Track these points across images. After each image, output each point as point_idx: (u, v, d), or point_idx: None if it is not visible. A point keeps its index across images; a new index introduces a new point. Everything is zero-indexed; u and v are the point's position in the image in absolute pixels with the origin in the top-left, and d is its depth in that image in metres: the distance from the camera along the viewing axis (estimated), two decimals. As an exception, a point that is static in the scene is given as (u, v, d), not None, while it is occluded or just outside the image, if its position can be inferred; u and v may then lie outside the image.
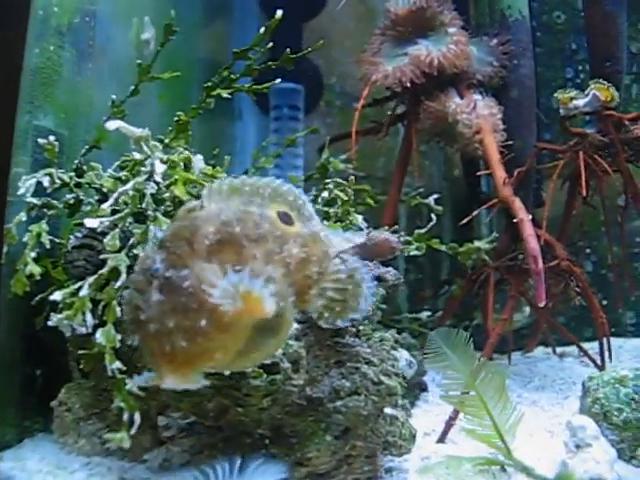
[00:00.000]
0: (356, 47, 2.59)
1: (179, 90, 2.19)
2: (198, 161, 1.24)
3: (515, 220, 1.67)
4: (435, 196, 1.86)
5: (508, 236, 2.05)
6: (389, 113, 2.16)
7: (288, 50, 1.63)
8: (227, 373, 1.15)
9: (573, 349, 2.47)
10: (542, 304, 1.55)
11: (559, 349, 2.46)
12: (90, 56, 1.58)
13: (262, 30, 1.58)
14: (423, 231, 1.83)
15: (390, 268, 1.29)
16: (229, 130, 2.70)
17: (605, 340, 2.03)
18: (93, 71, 1.59)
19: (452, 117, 1.93)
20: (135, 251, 1.18)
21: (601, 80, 1.85)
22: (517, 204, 1.69)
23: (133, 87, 1.38)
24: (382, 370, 1.24)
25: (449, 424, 1.67)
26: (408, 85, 1.93)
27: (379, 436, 1.30)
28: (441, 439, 1.67)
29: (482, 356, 1.71)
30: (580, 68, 2.72)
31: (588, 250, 2.68)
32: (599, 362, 2.03)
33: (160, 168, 1.15)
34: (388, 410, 1.47)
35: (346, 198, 1.57)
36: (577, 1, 2.65)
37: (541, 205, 2.24)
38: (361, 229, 1.61)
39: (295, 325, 1.21)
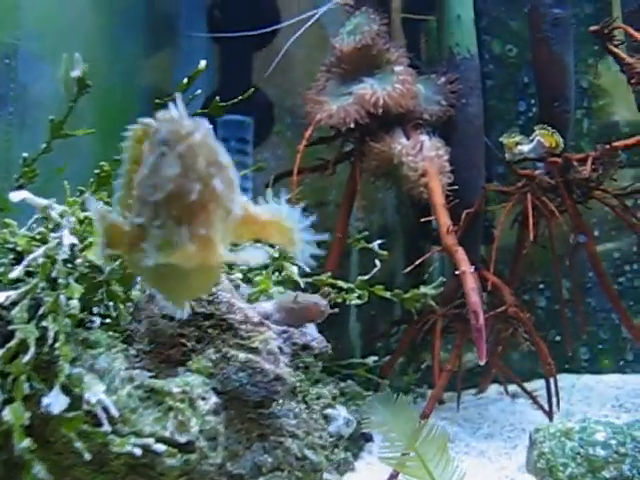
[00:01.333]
0: (308, 77, 2.54)
1: (118, 122, 2.12)
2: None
3: (457, 272, 1.62)
4: (379, 242, 1.80)
5: (455, 281, 2.00)
6: (336, 151, 2.10)
7: (217, 99, 1.56)
8: (140, 453, 1.07)
9: (526, 386, 2.44)
10: (483, 362, 1.50)
11: (512, 387, 2.42)
12: (10, 99, 1.49)
13: (185, 80, 1.50)
14: (366, 278, 1.78)
15: (317, 335, 1.22)
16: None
17: (553, 384, 1.99)
18: (15, 115, 1.51)
19: (397, 159, 1.89)
20: (45, 323, 1.10)
21: (546, 126, 1.82)
22: (460, 255, 1.64)
23: (45, 145, 1.29)
24: (307, 443, 1.17)
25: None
26: (350, 126, 1.88)
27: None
28: (384, 497, 1.61)
29: (424, 412, 1.65)
30: (532, 102, 2.70)
31: (541, 285, 2.66)
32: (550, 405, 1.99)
33: (69, 240, 1.07)
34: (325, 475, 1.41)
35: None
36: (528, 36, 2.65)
37: (492, 242, 2.20)
38: (297, 283, 1.55)
39: (214, 399, 1.13)
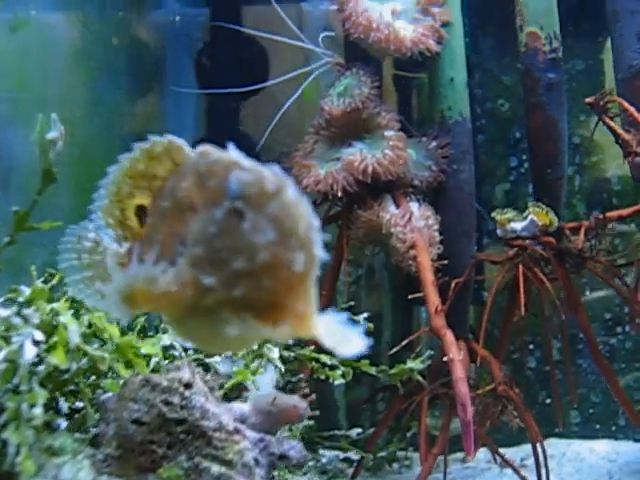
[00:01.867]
0: (296, 127, 2.49)
1: (96, 176, 2.07)
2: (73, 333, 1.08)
3: (445, 358, 1.55)
4: (365, 314, 1.74)
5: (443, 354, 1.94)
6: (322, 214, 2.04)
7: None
8: None
9: (516, 452, 2.38)
10: (470, 457, 1.44)
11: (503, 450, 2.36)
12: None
13: None
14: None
15: (296, 443, 1.15)
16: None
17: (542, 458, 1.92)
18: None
19: (386, 229, 1.83)
20: (4, 435, 1.02)
21: (540, 204, 1.77)
22: (448, 339, 1.58)
23: (8, 239, 1.22)
24: None
25: None
26: (339, 194, 1.82)
27: None
28: None
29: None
30: (524, 157, 2.66)
31: (531, 346, 2.60)
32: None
33: (31, 352, 1.00)
34: None
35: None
36: (521, 90, 2.62)
37: (483, 305, 2.15)
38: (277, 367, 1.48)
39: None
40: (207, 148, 0.78)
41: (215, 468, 1.09)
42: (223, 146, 2.08)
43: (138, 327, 1.69)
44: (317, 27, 2.60)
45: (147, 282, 0.82)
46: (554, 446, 2.44)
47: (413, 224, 1.81)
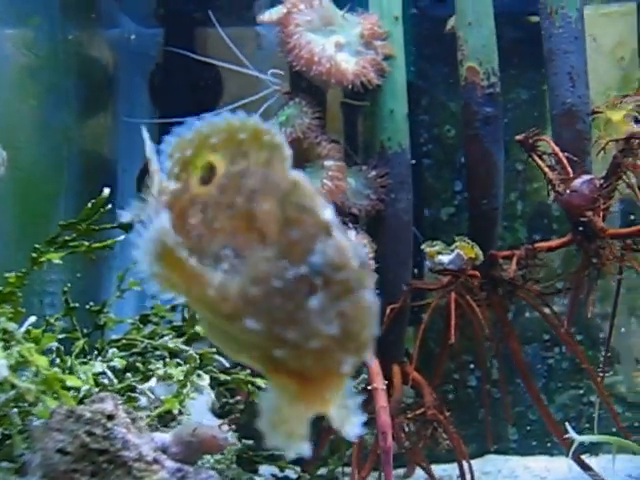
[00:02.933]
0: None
1: (41, 205, 2.10)
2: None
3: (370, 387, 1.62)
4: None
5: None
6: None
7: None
8: None
9: (454, 468, 2.45)
10: (389, 483, 1.51)
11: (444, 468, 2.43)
12: None
13: (90, 205, 1.48)
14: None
15: (213, 473, 1.20)
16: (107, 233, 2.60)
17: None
18: None
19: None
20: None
21: (465, 238, 1.85)
22: (374, 369, 1.64)
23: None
24: None
25: None
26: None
27: None
28: None
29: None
30: (468, 182, 2.76)
31: (472, 365, 2.69)
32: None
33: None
34: None
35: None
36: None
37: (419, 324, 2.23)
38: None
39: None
40: (302, 181, 0.74)
41: (133, 498, 1.14)
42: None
43: (77, 351, 1.74)
44: (272, 51, 2.65)
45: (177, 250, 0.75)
46: (492, 462, 2.53)
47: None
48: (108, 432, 1.18)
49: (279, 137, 0.78)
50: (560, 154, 1.84)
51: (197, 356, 1.52)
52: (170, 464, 1.18)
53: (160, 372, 1.46)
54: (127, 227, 1.44)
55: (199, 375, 1.54)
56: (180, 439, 1.23)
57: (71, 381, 1.25)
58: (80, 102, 2.40)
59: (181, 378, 1.44)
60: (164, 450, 1.23)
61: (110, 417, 1.20)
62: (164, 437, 1.24)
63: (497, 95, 2.17)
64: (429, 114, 2.77)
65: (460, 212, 2.80)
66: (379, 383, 1.60)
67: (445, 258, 1.81)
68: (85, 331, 1.85)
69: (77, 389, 1.37)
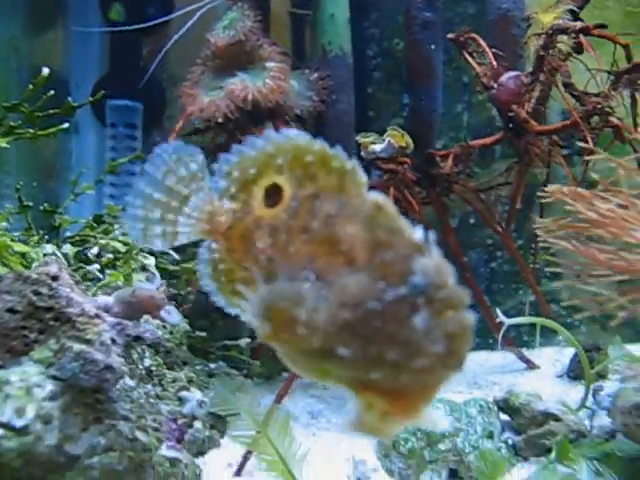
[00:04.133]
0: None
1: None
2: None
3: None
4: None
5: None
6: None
7: (69, 99, 1.59)
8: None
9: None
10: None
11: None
12: None
13: (31, 86, 1.54)
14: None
15: (150, 327, 1.32)
16: (63, 144, 2.65)
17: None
18: None
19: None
20: None
21: (396, 127, 1.94)
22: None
23: None
24: (140, 426, 1.27)
25: (245, 458, 1.72)
26: (221, 120, 1.96)
27: (147, 485, 1.33)
28: (238, 472, 1.73)
29: (279, 394, 1.77)
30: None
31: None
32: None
33: None
34: (170, 453, 1.52)
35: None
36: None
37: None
38: (153, 274, 1.63)
39: (50, 386, 1.22)
40: (385, 203, 0.74)
41: (76, 346, 1.24)
42: (126, 81, 2.16)
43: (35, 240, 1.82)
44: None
45: (290, 300, 0.75)
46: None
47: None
48: (53, 291, 1.28)
49: (349, 163, 0.78)
50: (488, 49, 1.92)
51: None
52: (111, 319, 1.28)
53: (102, 242, 1.55)
54: (68, 110, 1.52)
55: (145, 256, 1.63)
56: (121, 300, 1.34)
57: (18, 247, 1.34)
58: (26, 11, 2.41)
59: (123, 251, 1.53)
60: (107, 310, 1.33)
61: (55, 278, 1.29)
62: (107, 299, 1.35)
63: (436, 1, 2.23)
64: (379, 27, 2.82)
65: (408, 123, 2.89)
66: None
67: (377, 147, 1.90)
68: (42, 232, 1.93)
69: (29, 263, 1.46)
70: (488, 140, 2.07)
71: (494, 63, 1.91)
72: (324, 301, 0.73)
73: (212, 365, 2.07)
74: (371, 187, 1.99)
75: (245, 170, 0.84)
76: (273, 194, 0.83)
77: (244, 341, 2.18)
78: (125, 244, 1.61)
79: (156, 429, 1.29)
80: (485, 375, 2.37)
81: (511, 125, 2.00)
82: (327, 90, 2.15)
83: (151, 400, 1.32)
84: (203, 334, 2.13)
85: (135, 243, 0.91)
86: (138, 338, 1.27)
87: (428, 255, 0.69)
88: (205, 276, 0.91)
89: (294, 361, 0.79)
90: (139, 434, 1.26)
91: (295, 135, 0.81)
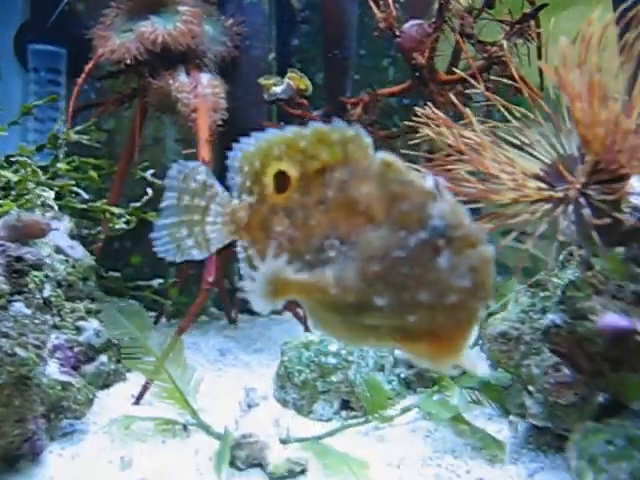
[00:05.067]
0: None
1: None
2: None
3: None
4: (151, 171, 1.94)
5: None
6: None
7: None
8: None
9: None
10: (210, 279, 1.69)
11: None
12: None
13: None
14: (138, 205, 1.92)
15: (32, 249, 1.36)
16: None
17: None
18: None
19: (174, 95, 2.01)
20: None
21: (296, 70, 1.99)
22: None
23: None
24: (20, 343, 1.32)
25: (145, 387, 1.79)
26: (130, 62, 1.99)
27: (30, 402, 1.38)
28: (137, 401, 1.79)
29: (180, 327, 1.82)
30: (343, 48, 2.88)
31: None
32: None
33: None
34: (63, 377, 1.58)
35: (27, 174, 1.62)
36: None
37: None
38: (50, 207, 1.67)
39: None
40: (393, 160, 0.77)
41: (-45, 264, 1.29)
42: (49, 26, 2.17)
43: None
44: None
45: (280, 272, 0.79)
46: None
47: (198, 91, 2.00)
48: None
49: (350, 131, 0.81)
50: (387, -4, 1.97)
51: (38, 169, 1.64)
52: (-5, 224, 1.32)
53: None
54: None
55: (43, 189, 1.67)
56: (6, 224, 1.38)
57: None
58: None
59: (16, 180, 1.57)
60: (-8, 233, 1.37)
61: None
62: (-8, 223, 1.38)
63: (352, -48, 2.27)
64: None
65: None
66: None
67: (278, 89, 1.95)
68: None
69: None
70: (396, 89, 2.13)
71: (392, 10, 1.96)
72: (352, 260, 0.77)
73: (122, 304, 2.12)
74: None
75: (252, 163, 0.89)
76: (282, 181, 0.89)
77: (157, 281, 2.23)
78: (17, 172, 1.64)
79: (37, 347, 1.34)
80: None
81: (417, 74, 2.05)
82: (241, 36, 2.18)
83: (36, 321, 1.36)
84: (116, 274, 2.18)
85: (176, 259, 0.95)
86: (20, 259, 1.31)
87: (441, 200, 0.73)
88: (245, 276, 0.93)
89: (335, 328, 0.85)
90: (18, 350, 1.31)
91: (283, 131, 0.86)
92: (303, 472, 1.51)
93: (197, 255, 0.97)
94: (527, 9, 1.96)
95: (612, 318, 1.06)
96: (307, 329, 2.16)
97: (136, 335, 1.62)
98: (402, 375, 1.90)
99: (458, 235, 0.72)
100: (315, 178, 0.85)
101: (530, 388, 1.43)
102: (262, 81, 1.97)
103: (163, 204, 0.97)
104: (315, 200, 0.84)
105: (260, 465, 1.52)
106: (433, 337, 0.75)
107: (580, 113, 1.10)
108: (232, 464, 1.52)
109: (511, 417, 1.56)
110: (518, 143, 1.37)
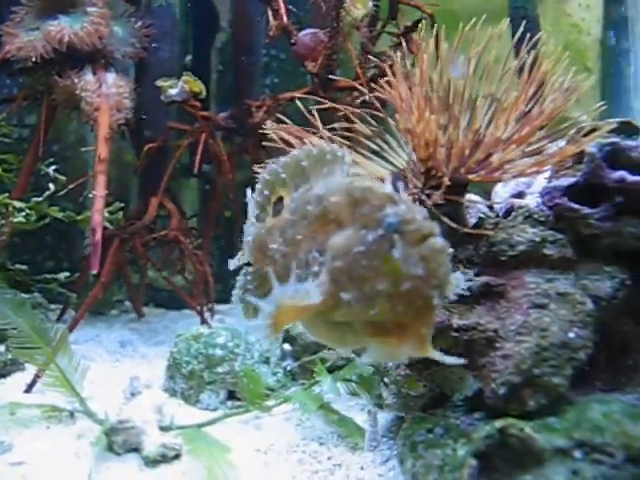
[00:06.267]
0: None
1: None
2: None
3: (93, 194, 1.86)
4: (54, 167, 2.00)
5: (142, 205, 2.25)
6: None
7: None
8: None
9: (233, 308, 2.75)
10: (94, 271, 1.76)
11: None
12: None
13: None
14: (40, 199, 1.98)
15: None
16: None
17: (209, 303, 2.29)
18: None
19: (78, 94, 2.07)
20: None
21: (190, 74, 2.07)
22: (99, 180, 1.87)
23: None
24: None
25: (36, 376, 1.84)
26: (36, 59, 2.04)
27: None
28: (28, 389, 1.85)
29: (74, 318, 1.88)
30: (264, 52, 2.95)
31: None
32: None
33: None
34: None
35: None
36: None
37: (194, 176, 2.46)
38: None
39: None
40: (359, 173, 0.95)
41: None
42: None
43: None
44: None
45: (297, 298, 0.85)
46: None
47: (102, 90, 2.06)
48: None
49: (340, 151, 0.93)
50: (282, 5, 2.05)
51: None
52: None
53: None
54: None
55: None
56: None
57: None
58: None
59: None
60: None
61: None
62: None
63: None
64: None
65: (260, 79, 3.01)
66: (100, 192, 1.83)
67: (173, 91, 2.03)
68: None
69: None
70: (296, 93, 2.22)
71: (284, 19, 2.05)
72: (325, 265, 0.86)
73: (26, 296, 2.17)
74: (186, 131, 2.09)
75: (262, 193, 1.02)
76: (279, 205, 1.00)
77: (62, 275, 2.28)
78: None
79: None
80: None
81: (316, 79, 2.15)
82: (149, 38, 2.25)
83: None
84: (23, 267, 2.23)
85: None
86: None
87: (400, 202, 0.83)
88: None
89: (321, 333, 0.94)
90: None
91: (297, 151, 0.97)
92: (177, 457, 1.58)
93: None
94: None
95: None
96: (203, 322, 2.24)
97: (22, 326, 1.67)
98: (288, 368, 1.98)
99: (410, 229, 0.80)
100: (301, 196, 0.95)
101: (385, 380, 1.53)
102: (159, 83, 2.04)
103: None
104: (301, 215, 0.93)
105: (137, 450, 1.59)
106: (400, 329, 0.83)
107: (406, 123, 1.20)
108: (110, 449, 1.59)
109: (370, 407, 1.66)
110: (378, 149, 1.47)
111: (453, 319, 1.20)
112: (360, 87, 1.95)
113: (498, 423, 1.02)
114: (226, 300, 2.82)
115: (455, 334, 1.19)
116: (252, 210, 1.03)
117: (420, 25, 1.91)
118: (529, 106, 1.23)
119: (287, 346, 2.03)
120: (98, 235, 1.75)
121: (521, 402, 1.11)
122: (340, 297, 0.83)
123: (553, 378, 1.13)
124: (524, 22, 2.26)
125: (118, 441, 1.59)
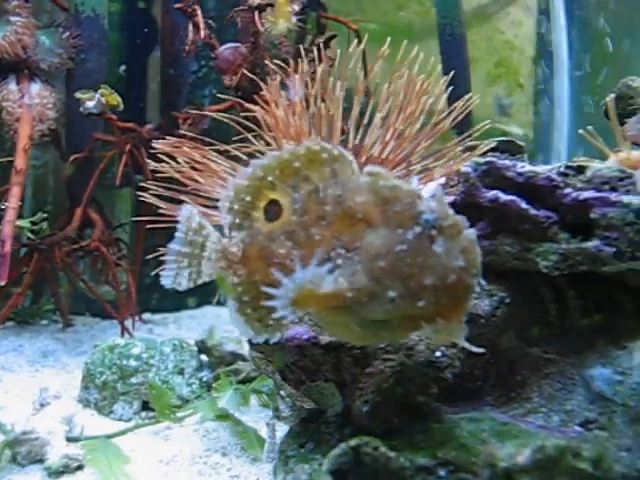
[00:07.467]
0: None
1: None
2: None
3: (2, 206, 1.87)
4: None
5: (68, 216, 2.25)
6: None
7: None
8: None
9: (166, 318, 2.78)
10: (3, 283, 1.77)
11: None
12: None
13: None
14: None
15: None
16: None
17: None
18: None
19: (0, 104, 2.08)
20: None
21: (107, 87, 2.09)
22: (14, 192, 1.88)
23: None
24: None
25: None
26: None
27: None
28: None
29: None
30: (203, 63, 2.97)
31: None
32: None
33: None
34: None
35: None
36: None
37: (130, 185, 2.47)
38: None
39: None
40: (379, 170, 0.88)
41: None
42: None
43: None
44: None
45: (314, 284, 0.87)
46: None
47: (24, 101, 2.07)
48: None
49: (336, 149, 0.92)
50: (201, 20, 2.08)
51: None
52: None
53: None
54: None
55: None
56: None
57: None
58: None
59: None
60: None
61: None
62: None
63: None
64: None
65: (194, 90, 3.02)
66: (13, 204, 1.84)
67: (90, 103, 2.04)
68: None
69: None
70: (221, 106, 2.23)
71: (202, 33, 2.07)
72: (359, 264, 0.87)
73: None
74: (112, 142, 2.11)
75: (242, 200, 0.99)
76: (272, 209, 0.98)
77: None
78: None
79: None
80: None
81: (239, 93, 2.17)
82: (76, 49, 2.26)
83: None
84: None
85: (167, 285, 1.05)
86: None
87: (426, 197, 0.86)
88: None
89: (349, 331, 0.95)
90: None
91: (279, 152, 0.95)
92: (80, 468, 1.59)
93: (183, 285, 1.05)
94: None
95: (296, 330, 1.18)
96: (124, 332, 2.25)
97: None
98: (204, 379, 2.00)
99: (447, 224, 0.85)
100: (310, 197, 0.94)
101: (282, 392, 1.55)
102: (78, 95, 2.05)
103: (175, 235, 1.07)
104: (315, 217, 0.93)
105: (41, 461, 1.60)
106: (437, 319, 0.87)
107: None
108: (14, 460, 1.60)
109: (268, 420, 1.68)
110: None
111: (322, 335, 1.22)
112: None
113: (353, 441, 1.04)
114: (162, 309, 2.86)
115: (321, 351, 1.21)
116: (227, 220, 1.01)
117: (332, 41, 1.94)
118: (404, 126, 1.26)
119: (204, 357, 2.05)
120: (7, 246, 1.76)
121: (385, 420, 1.14)
122: (385, 295, 0.86)
123: (418, 397, 1.16)
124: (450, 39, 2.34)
125: (22, 452, 1.60)
